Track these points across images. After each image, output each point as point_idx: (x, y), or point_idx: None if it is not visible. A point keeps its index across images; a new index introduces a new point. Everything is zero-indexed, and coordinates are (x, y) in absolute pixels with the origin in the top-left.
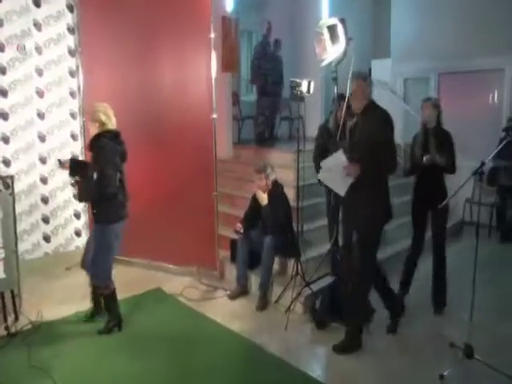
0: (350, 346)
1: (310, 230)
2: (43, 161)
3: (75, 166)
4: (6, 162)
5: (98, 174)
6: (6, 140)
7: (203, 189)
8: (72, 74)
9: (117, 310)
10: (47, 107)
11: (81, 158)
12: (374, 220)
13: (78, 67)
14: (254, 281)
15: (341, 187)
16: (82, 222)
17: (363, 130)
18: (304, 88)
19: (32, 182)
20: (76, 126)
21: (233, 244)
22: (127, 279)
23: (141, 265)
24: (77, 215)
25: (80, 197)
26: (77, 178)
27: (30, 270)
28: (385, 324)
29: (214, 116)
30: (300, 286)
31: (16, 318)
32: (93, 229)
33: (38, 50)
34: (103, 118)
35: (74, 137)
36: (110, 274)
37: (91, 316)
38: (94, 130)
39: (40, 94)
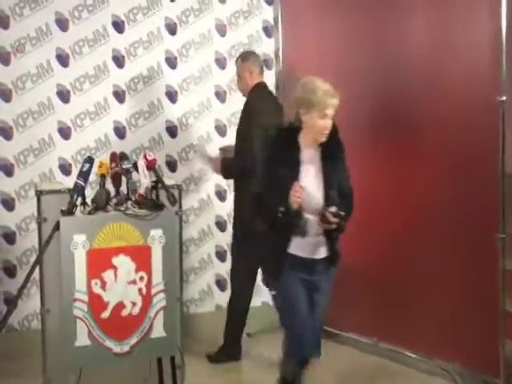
0: None
1: None
2: None
3: None
4: (171, 164)
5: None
6: (171, 132)
7: (476, 227)
8: (267, 31)
9: None
10: (229, 82)
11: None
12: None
13: (276, 20)
14: None
15: None
16: None
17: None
18: None
19: (205, 196)
20: None
21: None
22: (336, 367)
23: (361, 345)
24: None
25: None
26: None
27: (195, 329)
28: None
29: (503, 98)
30: None
31: None
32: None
33: None
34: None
35: None
36: None
37: None
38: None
39: (221, 62)
